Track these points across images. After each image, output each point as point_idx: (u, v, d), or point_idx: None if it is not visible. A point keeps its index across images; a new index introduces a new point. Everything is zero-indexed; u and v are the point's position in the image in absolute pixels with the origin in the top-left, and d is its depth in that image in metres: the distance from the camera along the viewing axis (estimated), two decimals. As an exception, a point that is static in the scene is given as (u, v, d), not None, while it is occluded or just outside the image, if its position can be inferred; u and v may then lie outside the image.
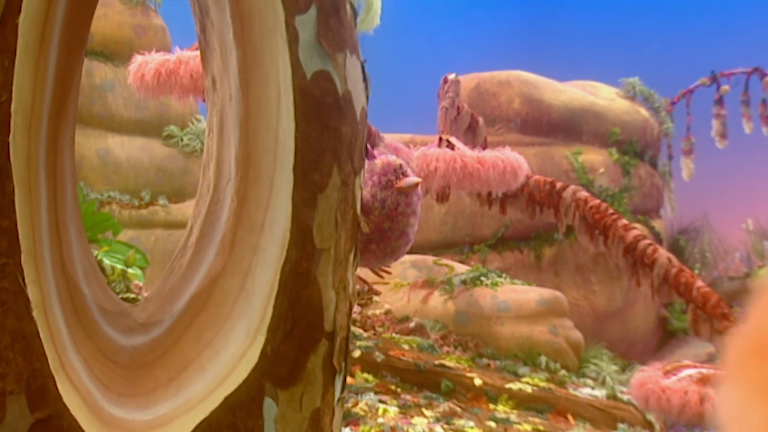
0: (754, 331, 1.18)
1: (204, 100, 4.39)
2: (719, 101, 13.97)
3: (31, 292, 1.93)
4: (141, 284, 6.84)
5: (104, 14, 14.17)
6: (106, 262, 6.48)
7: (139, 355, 2.15)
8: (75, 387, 1.96)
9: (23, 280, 1.92)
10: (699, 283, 8.25)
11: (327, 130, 2.27)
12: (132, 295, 6.46)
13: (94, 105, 14.08)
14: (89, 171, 13.78)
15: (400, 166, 6.35)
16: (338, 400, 2.39)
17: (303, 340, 2.20)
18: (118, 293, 6.34)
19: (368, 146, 6.81)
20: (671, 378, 7.25)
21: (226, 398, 2.06)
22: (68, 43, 2.10)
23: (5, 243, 1.92)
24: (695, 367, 7.58)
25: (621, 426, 10.92)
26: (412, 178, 6.22)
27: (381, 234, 6.36)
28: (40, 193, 2.01)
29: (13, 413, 1.88)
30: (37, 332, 1.91)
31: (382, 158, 6.48)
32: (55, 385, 1.92)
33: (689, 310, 8.30)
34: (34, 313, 1.92)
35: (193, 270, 2.27)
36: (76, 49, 2.21)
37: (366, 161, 6.52)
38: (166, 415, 2.05)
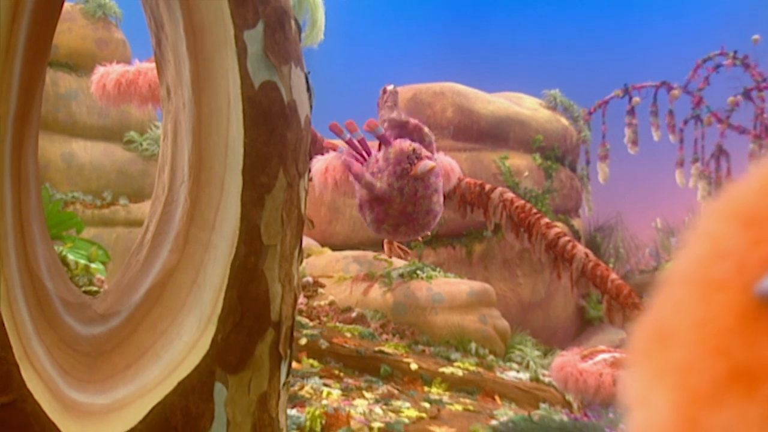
0: (656, 320, 1.19)
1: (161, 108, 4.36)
2: (631, 111, 14.14)
3: (-3, 285, 1.89)
4: (103, 278, 6.76)
5: (68, 28, 14.11)
6: (70, 257, 6.40)
7: (98, 343, 2.13)
8: (38, 374, 1.93)
9: (-11, 274, 1.89)
10: (613, 275, 8.31)
11: (273, 136, 2.26)
12: (94, 288, 6.38)
13: (59, 112, 14.04)
14: (54, 173, 13.75)
15: (413, 151, 6.03)
16: (284, 384, 2.38)
17: (251, 329, 2.19)
18: (81, 287, 6.27)
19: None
20: (588, 362, 7.31)
21: (180, 383, 2.04)
22: (32, 56, 2.07)
23: (-28, 240, 1.89)
24: (609, 351, 7.67)
25: (543, 405, 11.00)
26: (426, 164, 5.90)
27: (407, 217, 6.13)
28: (5, 194, 1.98)
29: (-21, 398, 1.85)
30: (2, 323, 1.88)
31: (395, 145, 6.15)
32: (19, 372, 1.89)
33: (604, 301, 8.36)
34: (0, 306, 1.89)
35: (149, 265, 2.25)
36: (39, 61, 2.18)
37: (382, 149, 6.17)
38: (124, 398, 2.03)
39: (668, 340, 1.12)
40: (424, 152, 6.12)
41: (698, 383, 1.02)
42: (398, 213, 6.09)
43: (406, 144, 6.10)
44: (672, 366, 1.08)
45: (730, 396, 0.97)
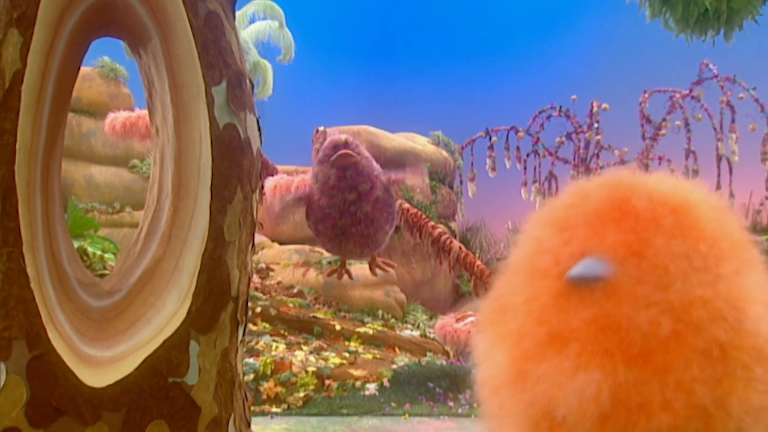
0: (497, 299, 1.23)
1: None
2: (491, 147, 14.37)
3: (30, 270, 1.87)
4: (113, 265, 6.65)
5: (89, 85, 14.24)
6: (90, 249, 6.29)
7: (105, 312, 2.10)
8: (60, 334, 1.91)
9: (24, 262, 1.86)
10: (478, 262, 8.43)
11: (233, 162, 2.26)
12: (107, 272, 6.25)
13: (82, 145, 14.33)
14: (78, 189, 13.91)
15: (345, 143, 4.38)
16: (240, 341, 2.38)
17: (216, 302, 2.18)
18: (97, 271, 6.16)
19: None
20: (460, 323, 7.41)
21: (164, 341, 2.03)
22: (57, 103, 2.04)
23: (12, 237, 1.86)
24: (476, 316, 7.77)
25: (429, 354, 11.10)
26: (342, 152, 4.29)
27: (324, 214, 4.56)
28: (36, 205, 1.95)
29: (17, 352, 1.83)
30: (34, 297, 1.86)
31: (332, 137, 4.55)
32: (46, 333, 1.86)
33: (472, 280, 8.47)
34: (32, 285, 1.86)
35: (142, 255, 2.23)
36: (63, 107, 2.15)
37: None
38: (123, 352, 2.01)
39: (506, 313, 1.17)
40: (361, 150, 4.55)
41: (527, 345, 1.07)
42: (318, 208, 4.60)
43: (342, 136, 4.51)
44: (508, 332, 1.13)
45: (549, 353, 1.02)
